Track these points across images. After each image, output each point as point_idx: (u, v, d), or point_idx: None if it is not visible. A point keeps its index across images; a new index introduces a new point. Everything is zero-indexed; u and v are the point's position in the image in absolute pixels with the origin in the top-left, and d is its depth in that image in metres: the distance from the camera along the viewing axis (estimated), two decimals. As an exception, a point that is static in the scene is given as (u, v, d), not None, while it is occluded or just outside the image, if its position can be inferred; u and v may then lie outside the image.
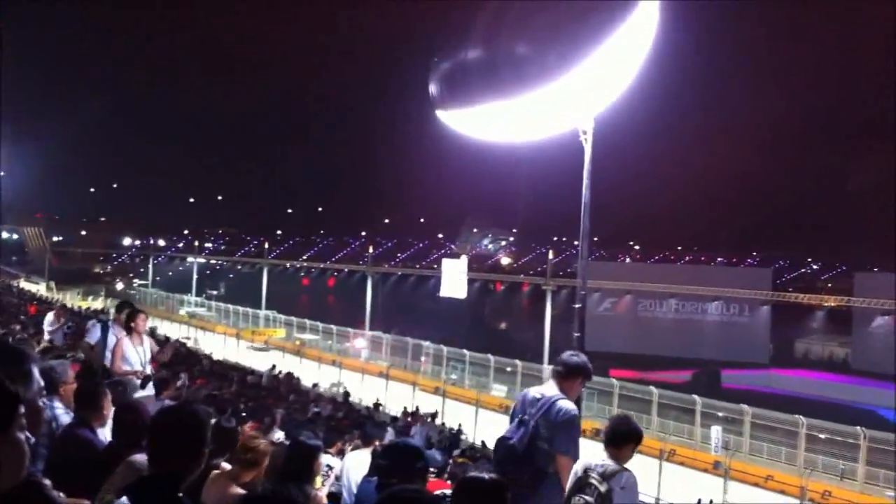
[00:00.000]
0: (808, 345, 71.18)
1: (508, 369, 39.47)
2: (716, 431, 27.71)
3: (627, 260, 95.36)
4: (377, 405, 31.74)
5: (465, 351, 41.85)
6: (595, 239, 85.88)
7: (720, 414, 30.24)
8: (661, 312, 66.07)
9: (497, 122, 9.82)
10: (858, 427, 26.63)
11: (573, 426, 5.33)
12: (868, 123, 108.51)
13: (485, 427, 28.43)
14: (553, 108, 9.73)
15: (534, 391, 5.51)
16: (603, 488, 4.92)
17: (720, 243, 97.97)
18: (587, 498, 4.93)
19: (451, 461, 14.09)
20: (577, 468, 5.12)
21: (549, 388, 5.45)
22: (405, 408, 30.78)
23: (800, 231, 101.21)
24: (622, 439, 5.12)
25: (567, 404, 5.34)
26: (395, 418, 26.36)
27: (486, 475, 3.38)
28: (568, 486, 5.10)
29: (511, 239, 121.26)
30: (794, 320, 70.94)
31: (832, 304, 66.09)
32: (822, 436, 27.57)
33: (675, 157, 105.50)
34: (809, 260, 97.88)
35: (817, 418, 28.15)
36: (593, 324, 61.51)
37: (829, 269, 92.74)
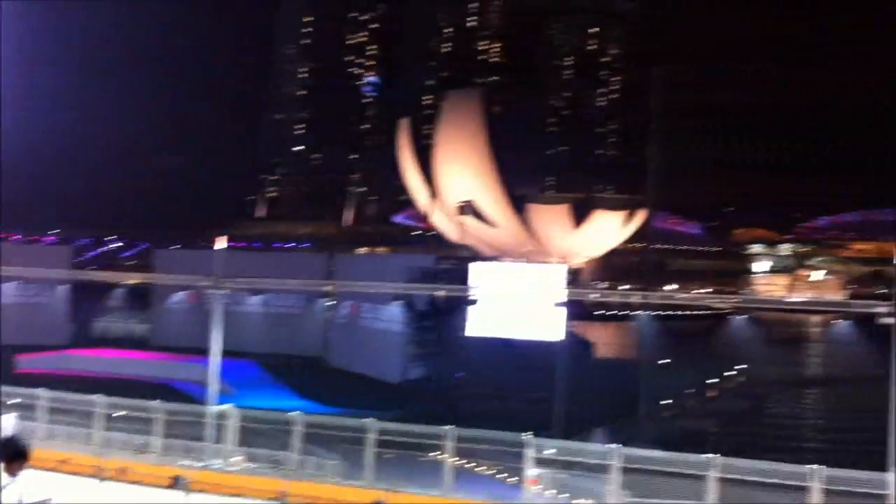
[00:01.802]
0: (108, 323, 71.66)
1: None
2: (7, 419, 26.00)
3: None
4: None
5: None
6: None
7: (14, 401, 28.39)
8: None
9: None
10: (156, 401, 27.60)
11: None
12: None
13: None
14: None
15: None
16: None
17: (17, 220, 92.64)
18: None
19: None
20: None
21: None
22: None
23: (105, 208, 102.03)
24: (12, 456, 6.44)
25: None
26: None
27: None
28: None
29: None
30: (95, 299, 70.91)
31: (134, 282, 67.76)
32: (120, 413, 27.89)
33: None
34: (112, 238, 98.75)
35: (116, 396, 28.34)
36: None
37: (131, 246, 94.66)
